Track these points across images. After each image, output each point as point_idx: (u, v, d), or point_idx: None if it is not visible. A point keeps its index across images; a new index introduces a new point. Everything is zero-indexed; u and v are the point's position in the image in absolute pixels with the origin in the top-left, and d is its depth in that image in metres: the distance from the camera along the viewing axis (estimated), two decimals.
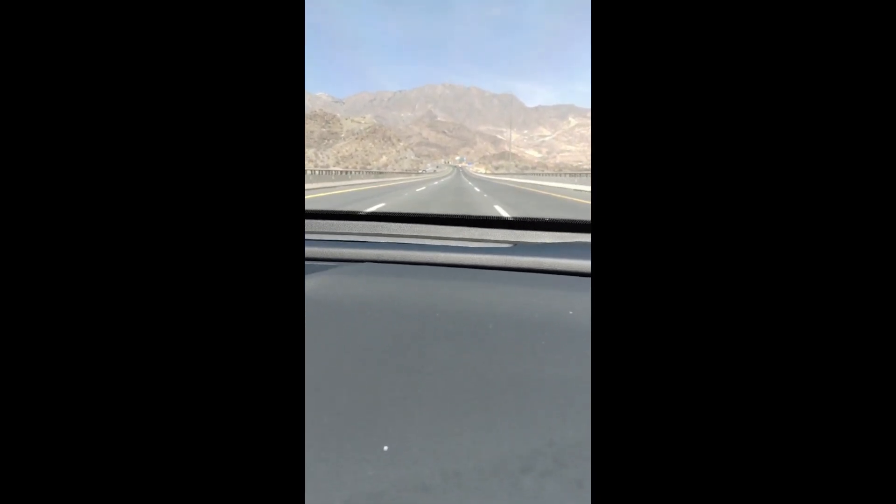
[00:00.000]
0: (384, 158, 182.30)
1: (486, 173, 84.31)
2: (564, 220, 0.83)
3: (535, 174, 51.67)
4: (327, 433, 0.26)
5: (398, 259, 0.64)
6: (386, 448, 0.26)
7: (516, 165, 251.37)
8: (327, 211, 0.90)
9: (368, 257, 0.64)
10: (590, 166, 0.19)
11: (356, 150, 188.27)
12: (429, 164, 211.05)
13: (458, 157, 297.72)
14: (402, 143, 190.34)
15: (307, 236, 0.74)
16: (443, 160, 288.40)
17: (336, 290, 0.51)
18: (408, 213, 0.88)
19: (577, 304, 0.47)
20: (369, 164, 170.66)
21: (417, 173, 73.29)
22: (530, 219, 0.84)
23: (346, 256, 0.64)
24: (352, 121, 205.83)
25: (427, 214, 0.87)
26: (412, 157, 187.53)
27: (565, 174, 31.72)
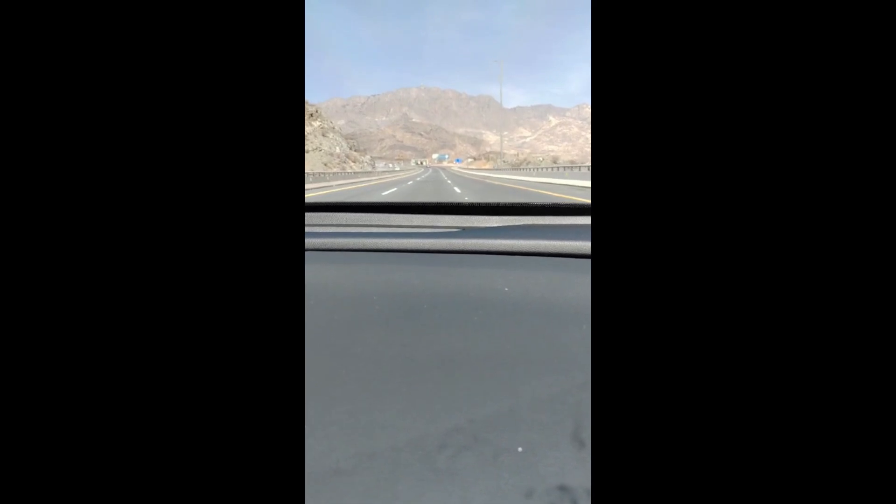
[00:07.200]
0: None
1: (488, 170, 14.46)
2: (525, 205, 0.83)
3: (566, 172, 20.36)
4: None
5: (339, 247, 0.65)
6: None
7: (542, 159, 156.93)
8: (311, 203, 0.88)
9: (311, 246, 0.65)
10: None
11: None
12: (379, 163, 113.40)
13: (435, 156, 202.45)
14: (317, 123, 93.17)
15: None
16: (413, 161, 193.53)
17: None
18: (362, 203, 0.89)
19: (514, 284, 0.48)
20: None
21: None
22: (480, 203, 0.84)
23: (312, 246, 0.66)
24: None
25: (375, 203, 0.88)
26: (340, 150, 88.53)
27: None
